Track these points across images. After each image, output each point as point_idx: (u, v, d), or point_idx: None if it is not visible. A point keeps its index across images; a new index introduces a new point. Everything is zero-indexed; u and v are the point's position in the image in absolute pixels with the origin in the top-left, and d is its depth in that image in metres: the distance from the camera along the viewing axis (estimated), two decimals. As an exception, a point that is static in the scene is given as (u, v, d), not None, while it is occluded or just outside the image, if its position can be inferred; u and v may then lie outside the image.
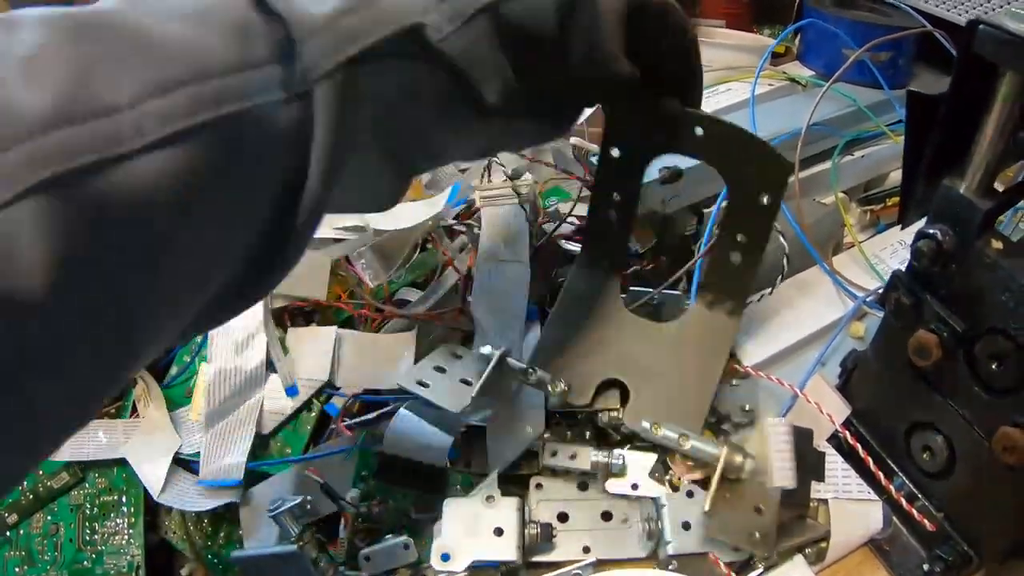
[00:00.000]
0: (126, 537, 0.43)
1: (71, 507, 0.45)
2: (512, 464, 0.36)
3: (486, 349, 0.34)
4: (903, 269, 0.35)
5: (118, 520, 0.43)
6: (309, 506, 0.35)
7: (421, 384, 0.35)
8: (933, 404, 0.35)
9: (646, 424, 0.33)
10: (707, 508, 0.32)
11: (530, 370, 0.34)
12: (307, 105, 0.19)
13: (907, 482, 0.38)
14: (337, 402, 0.39)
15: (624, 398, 0.36)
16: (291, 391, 0.38)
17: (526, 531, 0.34)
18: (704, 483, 0.34)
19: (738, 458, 0.33)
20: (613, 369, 0.36)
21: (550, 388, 0.34)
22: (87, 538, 0.44)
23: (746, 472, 0.34)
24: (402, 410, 0.36)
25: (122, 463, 0.43)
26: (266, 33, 0.19)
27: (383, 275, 0.41)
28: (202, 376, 0.42)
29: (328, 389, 0.39)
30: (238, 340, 0.40)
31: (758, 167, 0.34)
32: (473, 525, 0.34)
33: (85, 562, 0.43)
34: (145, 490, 0.42)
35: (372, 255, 0.40)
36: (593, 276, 0.37)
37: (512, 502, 0.35)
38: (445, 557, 0.34)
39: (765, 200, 0.34)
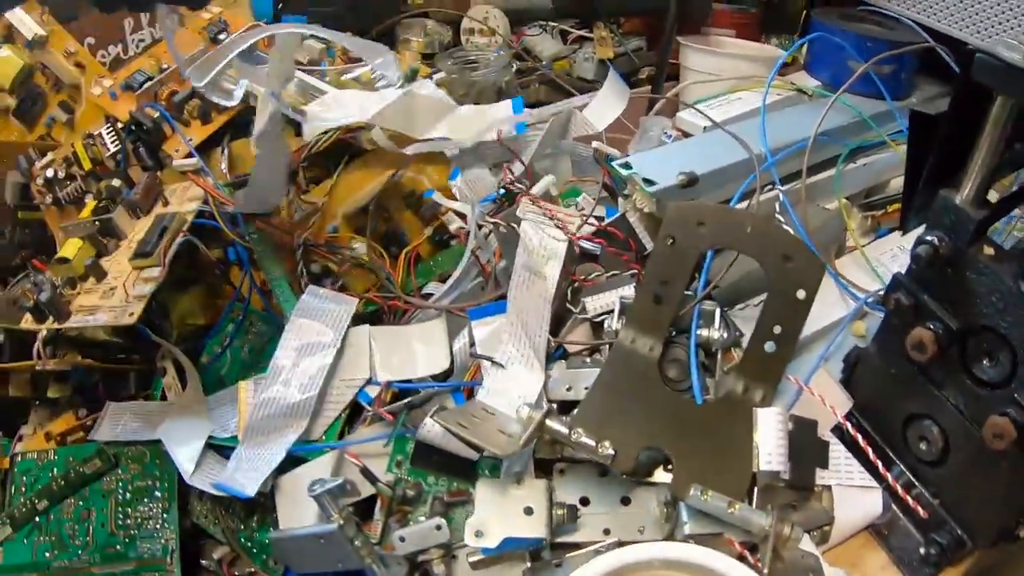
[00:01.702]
0: (160, 521, 0.44)
1: (103, 492, 0.46)
2: (535, 449, 0.38)
3: (524, 411, 0.36)
4: (903, 272, 0.38)
5: (151, 505, 0.45)
6: (349, 487, 0.37)
7: (462, 426, 0.35)
8: (929, 397, 0.38)
9: (695, 491, 0.35)
10: (766, 573, 0.33)
11: (573, 432, 0.36)
12: None
13: (905, 470, 0.41)
14: (370, 390, 0.41)
15: (665, 466, 0.38)
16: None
17: (553, 512, 0.37)
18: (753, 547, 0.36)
19: (787, 529, 0.35)
20: (656, 439, 0.37)
21: (598, 452, 0.35)
22: (120, 522, 0.45)
23: (794, 542, 0.35)
24: (428, 418, 0.37)
25: (155, 449, 0.45)
26: None
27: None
28: (243, 392, 0.43)
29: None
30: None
31: (798, 264, 0.37)
32: (504, 505, 0.36)
33: (118, 546, 0.45)
34: (179, 476, 0.43)
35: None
36: (636, 350, 0.39)
37: (541, 483, 0.37)
38: (479, 534, 0.36)
39: (801, 295, 0.37)
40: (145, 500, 0.45)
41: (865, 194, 0.51)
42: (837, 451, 0.41)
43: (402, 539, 0.38)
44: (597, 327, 0.43)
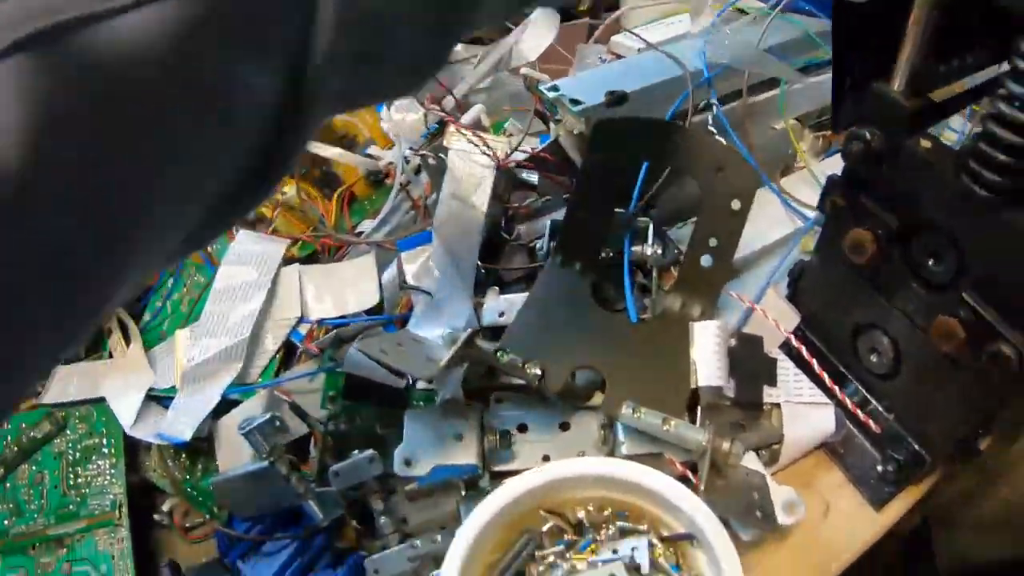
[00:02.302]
0: (108, 478, 0.44)
1: (54, 455, 0.46)
2: (467, 378, 0.37)
3: (448, 332, 0.35)
4: (838, 173, 0.36)
5: (100, 462, 0.44)
6: (279, 423, 0.36)
7: (383, 352, 0.34)
8: (876, 305, 0.37)
9: (627, 409, 0.34)
10: (702, 489, 0.33)
11: (500, 352, 0.35)
12: None
13: (858, 387, 0.40)
14: (302, 329, 0.40)
15: (601, 388, 0.37)
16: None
17: (485, 439, 0.36)
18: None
19: (725, 444, 0.34)
20: (587, 358, 0.36)
21: (525, 372, 0.35)
22: (71, 483, 0.45)
23: (734, 458, 0.34)
24: (353, 348, 0.37)
25: (101, 407, 0.45)
26: None
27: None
28: (179, 341, 0.43)
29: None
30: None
31: (731, 174, 0.36)
32: (434, 433, 0.36)
33: (70, 506, 0.45)
34: (124, 431, 0.43)
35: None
36: (567, 271, 0.38)
37: (472, 410, 0.36)
38: (408, 463, 0.35)
39: (736, 206, 0.36)
40: (94, 458, 0.45)
41: (817, 114, 0.49)
42: (786, 368, 0.40)
43: (336, 474, 0.37)
44: (534, 254, 0.42)
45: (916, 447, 0.39)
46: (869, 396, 0.40)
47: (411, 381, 0.38)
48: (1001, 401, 0.34)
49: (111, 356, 0.47)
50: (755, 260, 0.43)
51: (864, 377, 0.39)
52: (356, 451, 0.38)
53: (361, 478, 0.37)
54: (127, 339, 0.46)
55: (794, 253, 0.43)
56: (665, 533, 0.32)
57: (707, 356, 0.36)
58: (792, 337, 0.39)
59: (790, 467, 0.40)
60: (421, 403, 0.38)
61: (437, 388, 0.37)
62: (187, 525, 0.43)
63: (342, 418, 0.38)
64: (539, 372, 0.35)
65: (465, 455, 0.35)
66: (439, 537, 0.36)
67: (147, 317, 0.47)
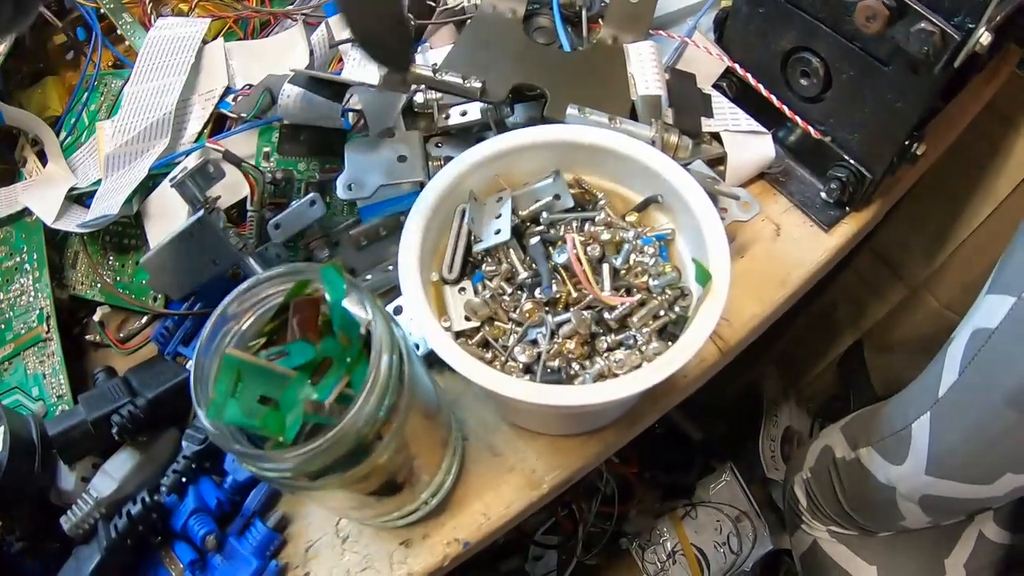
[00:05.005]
0: (33, 293, 0.41)
1: (-25, 288, 0.43)
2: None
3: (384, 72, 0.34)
4: None
5: (23, 280, 0.41)
6: (212, 168, 0.34)
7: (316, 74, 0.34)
8: (802, 25, 0.37)
9: (572, 109, 0.33)
10: None
11: (439, 72, 0.34)
12: None
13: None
14: (229, 99, 0.38)
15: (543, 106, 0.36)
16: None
17: (429, 162, 0.35)
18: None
19: (673, 137, 0.34)
20: (525, 77, 0.36)
21: (465, 86, 0.34)
22: (-3, 309, 0.42)
23: (683, 150, 0.35)
24: (287, 84, 0.35)
25: (19, 224, 0.42)
26: None
27: None
28: (101, 131, 0.41)
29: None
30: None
31: None
32: (377, 157, 0.34)
33: (-5, 335, 0.41)
34: (46, 235, 0.40)
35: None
36: (499, 14, 0.38)
37: (413, 134, 0.35)
38: (351, 188, 0.34)
39: None
40: (17, 278, 0.42)
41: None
42: (721, 104, 0.41)
43: (277, 226, 0.35)
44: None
45: (854, 164, 0.39)
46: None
47: (348, 124, 0.37)
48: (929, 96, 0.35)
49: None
50: (679, 17, 0.43)
51: (796, 105, 0.40)
52: (296, 202, 0.36)
53: (303, 224, 0.35)
54: (43, 162, 0.44)
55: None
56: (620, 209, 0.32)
57: (643, 69, 0.36)
58: (724, 84, 0.40)
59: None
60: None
61: (374, 121, 0.36)
62: (121, 335, 0.41)
63: (279, 171, 0.37)
64: (479, 85, 0.34)
65: (411, 172, 0.34)
66: (391, 267, 0.34)
67: (64, 135, 0.44)
